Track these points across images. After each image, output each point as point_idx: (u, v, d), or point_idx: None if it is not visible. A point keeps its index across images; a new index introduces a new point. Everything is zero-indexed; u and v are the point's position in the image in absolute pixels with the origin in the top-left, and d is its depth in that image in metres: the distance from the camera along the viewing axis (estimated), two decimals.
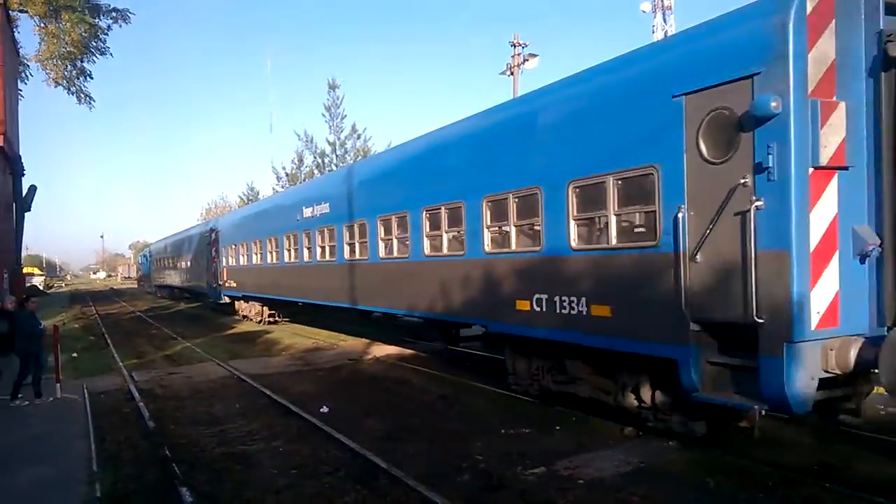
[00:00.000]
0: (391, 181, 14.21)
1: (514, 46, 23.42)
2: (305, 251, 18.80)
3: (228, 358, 16.73)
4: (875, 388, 7.08)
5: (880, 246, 6.48)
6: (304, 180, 38.02)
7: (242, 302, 27.48)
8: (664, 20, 76.67)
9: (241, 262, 26.06)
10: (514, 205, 9.92)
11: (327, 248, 17.26)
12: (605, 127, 8.34)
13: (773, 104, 6.18)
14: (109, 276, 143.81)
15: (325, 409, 10.47)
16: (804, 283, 6.25)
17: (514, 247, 10.05)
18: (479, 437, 8.78)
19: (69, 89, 23.82)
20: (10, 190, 15.83)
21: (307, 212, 18.63)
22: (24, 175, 16.52)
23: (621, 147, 7.98)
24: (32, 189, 16.93)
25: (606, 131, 8.29)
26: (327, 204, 17.32)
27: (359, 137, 37.80)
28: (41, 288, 70.40)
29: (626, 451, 7.87)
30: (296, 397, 11.57)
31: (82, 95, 24.30)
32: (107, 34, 23.57)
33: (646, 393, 8.18)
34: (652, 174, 7.55)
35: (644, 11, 78.25)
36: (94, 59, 23.62)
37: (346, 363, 15.60)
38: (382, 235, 14.08)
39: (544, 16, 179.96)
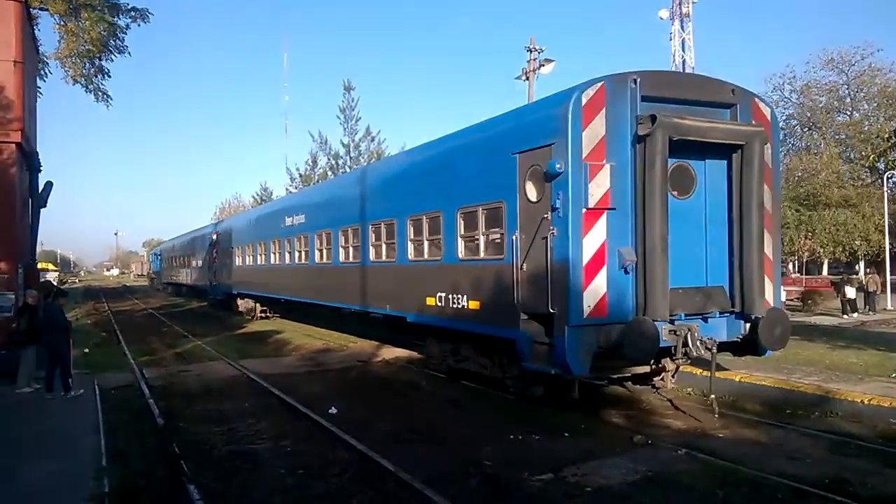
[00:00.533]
0: (349, 199, 16.83)
1: (530, 51, 23.36)
2: (287, 255, 21.98)
3: (239, 357, 16.79)
4: (680, 366, 10.51)
5: (630, 259, 9.08)
6: (318, 181, 38.18)
7: (239, 299, 29.58)
8: (682, 28, 76.30)
9: (237, 263, 28.94)
10: (427, 223, 12.77)
11: (303, 253, 20.34)
12: (476, 170, 11.27)
13: (559, 166, 8.97)
14: (123, 273, 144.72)
15: (333, 410, 10.48)
16: (579, 287, 8.91)
17: (426, 256, 12.89)
18: (487, 442, 8.76)
19: (87, 87, 24.03)
20: (27, 186, 15.95)
21: (288, 221, 21.79)
22: (40, 171, 16.63)
23: (486, 186, 10.81)
24: (49, 185, 17.02)
25: (478, 173, 11.21)
26: (303, 215, 20.50)
27: (373, 140, 37.89)
28: (55, 283, 70.88)
29: (635, 459, 7.83)
30: (305, 397, 11.58)
31: (100, 93, 24.49)
32: (125, 33, 23.75)
33: (506, 366, 10.94)
34: (501, 207, 10.38)
35: (662, 18, 77.89)
36: (113, 57, 23.81)
37: (356, 365, 15.62)
38: (342, 243, 17.10)
39: (562, 22, 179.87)
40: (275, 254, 23.23)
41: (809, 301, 27.05)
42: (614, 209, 9.09)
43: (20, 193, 14.61)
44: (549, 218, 9.22)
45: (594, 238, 9.05)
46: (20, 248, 14.61)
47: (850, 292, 25.20)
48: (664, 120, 8.90)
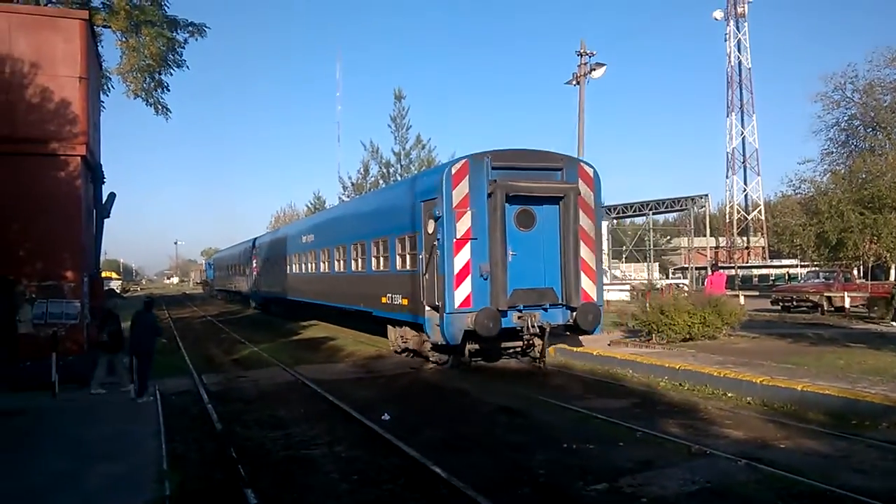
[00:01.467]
0: (338, 225, 23.10)
1: (581, 55, 23.18)
2: (301, 266, 28.05)
3: (293, 363, 17.04)
4: (546, 345, 15.44)
5: (488, 272, 13.89)
6: (370, 190, 38.67)
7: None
8: (737, 28, 74.52)
9: (266, 273, 36.14)
10: (381, 245, 18.00)
11: (311, 265, 26.33)
12: (405, 210, 16.07)
13: (438, 212, 13.92)
14: (182, 281, 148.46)
15: (386, 417, 10.53)
16: (451, 288, 13.87)
17: (381, 268, 18.06)
18: (540, 450, 8.68)
19: (147, 100, 24.72)
20: (92, 197, 16.52)
21: (303, 239, 27.57)
22: (104, 183, 17.21)
23: (409, 221, 15.71)
24: (112, 196, 17.61)
25: (406, 212, 15.99)
26: (312, 235, 26.39)
27: (423, 147, 38.09)
28: (118, 291, 73.32)
29: (692, 469, 7.64)
30: (357, 404, 11.69)
31: (160, 106, 25.16)
32: (183, 47, 24.35)
33: (427, 343, 15.58)
34: (416, 236, 15.37)
35: (716, 19, 76.18)
36: (172, 71, 24.44)
37: (408, 371, 15.69)
38: (325, 259, 23.91)
39: (612, 25, 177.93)
40: (294, 265, 29.18)
41: (875, 307, 26.07)
42: (476, 238, 14.02)
43: (85, 204, 15.15)
44: (436, 245, 14.19)
45: (462, 258, 14.01)
46: (85, 257, 15.14)
47: None
48: (501, 183, 14.04)
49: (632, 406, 11.24)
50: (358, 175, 40.30)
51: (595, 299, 15.14)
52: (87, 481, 7.53)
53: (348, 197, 39.83)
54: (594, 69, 23.02)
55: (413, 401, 12.39)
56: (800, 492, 6.81)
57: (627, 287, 40.92)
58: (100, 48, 18.85)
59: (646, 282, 43.32)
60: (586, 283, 15.07)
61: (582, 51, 23.10)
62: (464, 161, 14.28)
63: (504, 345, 15.63)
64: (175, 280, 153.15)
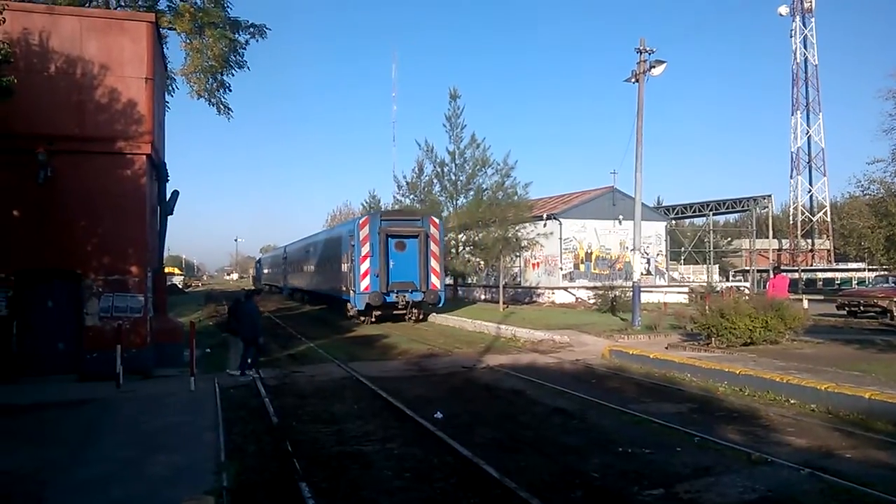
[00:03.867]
0: (307, 247, 42.40)
1: (640, 53, 22.72)
2: (300, 267, 46.20)
3: (348, 359, 17.23)
4: (417, 313, 28.54)
5: (378, 273, 26.94)
6: (424, 189, 38.94)
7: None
8: (803, 24, 72.18)
9: (273, 272, 64.97)
10: (332, 257, 32.92)
11: (305, 268, 43.55)
12: (343, 239, 30.32)
13: (353, 242, 27.44)
14: (241, 277, 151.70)
15: (439, 415, 10.54)
16: (359, 281, 26.87)
17: (334, 270, 32.24)
18: (595, 453, 8.56)
19: (210, 101, 25.36)
20: (156, 195, 17.01)
21: (304, 249, 44.36)
22: (168, 181, 17.69)
23: (344, 244, 30.27)
24: (175, 194, 18.09)
25: (345, 239, 29.75)
26: (305, 250, 43.66)
27: (478, 147, 37.94)
28: (180, 287, 75.58)
29: (752, 476, 7.42)
30: (411, 401, 11.74)
31: (222, 106, 25.78)
32: (245, 48, 24.91)
33: (353, 310, 28.21)
34: (347, 252, 28.60)
35: (781, 15, 74.09)
36: (234, 72, 25.02)
37: (460, 370, 15.69)
38: (312, 263, 39.63)
39: (674, 21, 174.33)
40: (299, 267, 46.44)
41: None
42: (372, 255, 26.56)
43: (150, 202, 15.60)
44: (353, 258, 27.03)
45: (364, 265, 26.61)
46: (150, 253, 15.60)
47: None
48: (384, 228, 26.95)
49: (689, 411, 10.99)
50: (413, 174, 40.51)
51: (438, 288, 28.10)
52: (149, 470, 7.76)
53: (403, 196, 40.70)
54: (654, 66, 22.50)
55: (466, 399, 12.37)
56: None
57: (686, 289, 40.11)
58: (165, 50, 19.38)
59: (705, 284, 42.30)
60: (433, 279, 27.86)
61: (641, 48, 22.63)
62: (366, 217, 28.81)
63: (394, 312, 27.60)
64: (234, 276, 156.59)
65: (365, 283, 26.55)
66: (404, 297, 27.22)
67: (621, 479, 7.46)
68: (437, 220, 29.01)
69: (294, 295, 50.08)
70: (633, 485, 7.25)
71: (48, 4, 18.81)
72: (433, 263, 27.83)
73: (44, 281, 14.33)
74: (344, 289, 29.42)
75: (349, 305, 28.56)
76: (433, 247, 27.93)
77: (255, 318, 15.25)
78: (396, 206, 40.63)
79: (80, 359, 14.19)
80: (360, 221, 27.57)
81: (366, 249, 26.62)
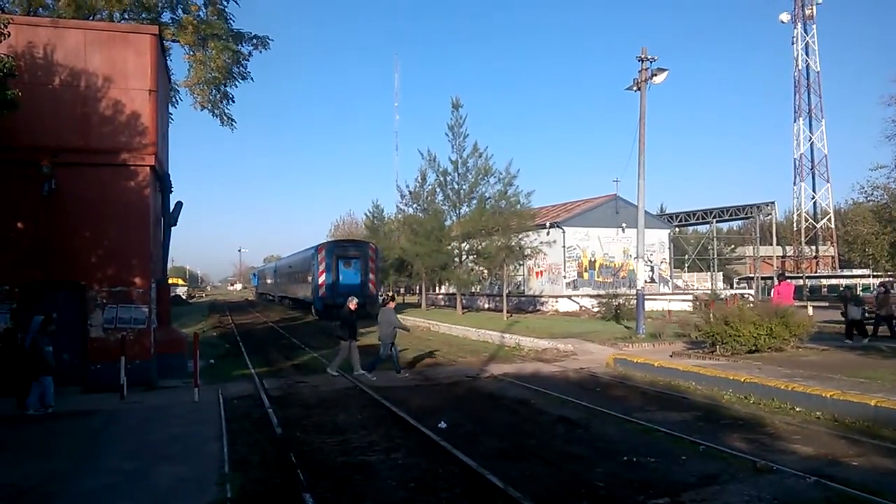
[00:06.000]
0: (286, 267, 59.23)
1: (641, 61, 22.75)
2: (277, 279, 66.32)
3: (352, 369, 17.18)
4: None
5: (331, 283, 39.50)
6: (427, 198, 39.10)
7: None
8: (805, 31, 72.27)
9: (269, 282, 77.55)
10: (302, 269, 46.55)
11: (284, 279, 59.48)
12: (311, 259, 41.97)
13: (314, 262, 40.85)
14: (245, 287, 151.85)
15: (443, 425, 10.52)
16: (318, 289, 39.31)
17: (305, 281, 45.00)
18: (599, 462, 8.53)
19: (213, 112, 25.43)
20: (160, 206, 17.05)
21: (286, 265, 59.82)
22: (171, 192, 17.73)
23: (313, 263, 40.56)
24: (179, 205, 18.14)
25: (314, 259, 40.86)
26: (286, 263, 60.33)
27: (480, 156, 38.01)
28: (184, 297, 75.91)
29: (758, 485, 7.38)
30: (415, 411, 11.72)
31: (225, 118, 25.85)
32: (248, 60, 24.99)
33: (319, 312, 39.31)
34: (313, 268, 40.64)
35: (783, 22, 74.15)
36: (237, 83, 25.09)
37: (464, 380, 15.66)
38: (287, 275, 56.82)
39: (675, 28, 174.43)
40: (281, 278, 60.86)
41: None
42: (328, 271, 38.69)
43: (153, 213, 15.65)
44: (314, 273, 39.94)
45: (322, 277, 38.91)
46: (153, 264, 15.64)
47: None
48: (336, 252, 39.78)
49: (694, 419, 10.96)
50: (416, 183, 40.68)
51: (374, 292, 38.62)
52: (154, 481, 7.76)
53: (406, 205, 42.28)
54: (655, 74, 22.52)
55: (470, 409, 12.34)
56: None
57: (689, 297, 40.04)
58: (168, 62, 19.48)
59: (709, 291, 42.24)
60: (371, 287, 38.87)
61: (643, 56, 22.67)
62: (322, 244, 41.31)
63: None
64: (238, 287, 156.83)
65: (321, 290, 38.52)
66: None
67: (626, 489, 7.42)
68: (373, 244, 42.98)
69: (283, 301, 60.95)
70: (639, 494, 7.21)
71: (53, 18, 18.95)
72: (370, 276, 39.69)
73: (48, 293, 14.35)
74: (310, 295, 41.20)
75: (314, 309, 40.45)
76: (371, 265, 39.76)
77: (395, 321, 17.06)
78: (399, 216, 49.71)
79: (85, 370, 14.21)
80: (319, 247, 40.70)
81: (322, 266, 38.75)
